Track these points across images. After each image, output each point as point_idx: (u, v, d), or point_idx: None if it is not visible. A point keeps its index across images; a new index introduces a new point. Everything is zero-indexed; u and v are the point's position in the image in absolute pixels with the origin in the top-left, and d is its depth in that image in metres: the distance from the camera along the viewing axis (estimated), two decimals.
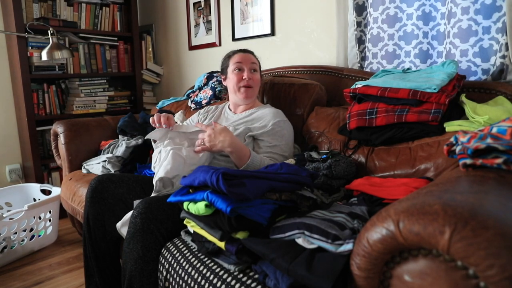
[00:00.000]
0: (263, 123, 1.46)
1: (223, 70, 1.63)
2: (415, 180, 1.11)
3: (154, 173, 1.67)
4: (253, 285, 0.84)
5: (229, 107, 1.66)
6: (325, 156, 1.31)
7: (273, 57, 2.16)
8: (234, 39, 2.38)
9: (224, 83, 1.66)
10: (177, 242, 1.09)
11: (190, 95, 2.24)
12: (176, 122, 1.83)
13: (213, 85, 2.08)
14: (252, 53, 1.62)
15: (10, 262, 1.92)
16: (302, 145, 1.59)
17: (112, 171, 1.77)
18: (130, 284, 1.11)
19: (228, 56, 1.62)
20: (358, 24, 1.72)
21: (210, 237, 0.94)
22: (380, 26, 1.62)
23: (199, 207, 0.94)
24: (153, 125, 1.41)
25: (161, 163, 1.30)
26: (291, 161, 1.37)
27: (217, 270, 0.92)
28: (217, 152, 1.35)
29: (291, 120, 1.56)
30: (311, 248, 0.79)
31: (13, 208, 2.20)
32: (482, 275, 0.49)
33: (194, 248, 1.04)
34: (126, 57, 2.90)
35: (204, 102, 2.05)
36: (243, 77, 1.52)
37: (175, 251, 1.06)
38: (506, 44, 1.28)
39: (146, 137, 1.46)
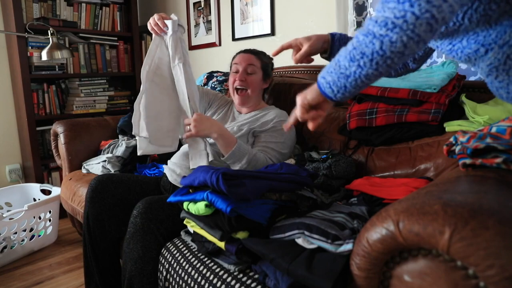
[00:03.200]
0: (266, 122, 1.46)
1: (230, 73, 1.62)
2: (415, 180, 1.11)
3: (153, 174, 1.68)
4: (253, 285, 0.84)
5: (235, 106, 1.66)
6: (325, 156, 1.31)
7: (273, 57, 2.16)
8: (234, 39, 2.38)
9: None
10: (177, 242, 1.09)
11: None
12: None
13: (213, 85, 2.08)
14: (255, 53, 1.58)
15: (10, 262, 1.92)
16: (302, 145, 1.59)
17: (112, 171, 1.77)
18: (130, 284, 1.11)
19: (233, 58, 1.60)
20: (358, 24, 1.72)
21: (210, 237, 0.94)
22: None
23: (199, 207, 0.94)
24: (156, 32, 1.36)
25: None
26: (291, 161, 1.37)
27: (217, 270, 0.92)
28: (202, 136, 1.30)
29: None
30: (311, 248, 0.79)
31: (13, 208, 2.20)
32: (482, 275, 0.49)
33: (194, 248, 1.04)
34: (126, 57, 2.90)
35: None
36: (236, 79, 1.50)
37: (175, 251, 1.06)
38: None
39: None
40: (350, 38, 1.03)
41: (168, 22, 1.35)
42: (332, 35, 1.03)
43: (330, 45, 1.03)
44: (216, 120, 1.33)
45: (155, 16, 1.35)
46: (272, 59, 1.63)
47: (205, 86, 2.16)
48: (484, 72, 0.74)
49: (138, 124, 1.33)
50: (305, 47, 1.03)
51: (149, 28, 1.38)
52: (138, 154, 1.37)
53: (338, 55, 0.73)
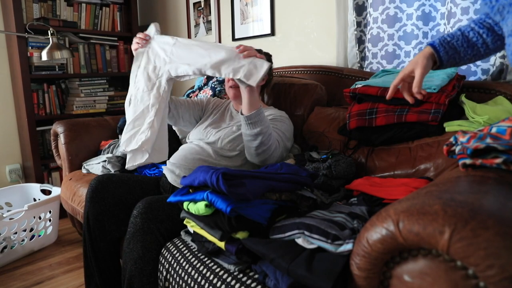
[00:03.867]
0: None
1: None
2: (415, 180, 1.11)
3: (153, 174, 1.68)
4: (253, 285, 0.84)
5: (233, 106, 1.65)
6: (325, 156, 1.31)
7: (273, 57, 2.16)
8: (234, 39, 2.38)
9: None
10: (177, 242, 1.09)
11: (190, 95, 2.24)
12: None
13: (213, 85, 2.08)
14: None
15: (10, 262, 1.92)
16: (302, 145, 1.59)
17: (112, 171, 1.77)
18: (130, 284, 1.11)
19: None
20: (358, 24, 1.72)
21: (210, 237, 0.94)
22: (380, 26, 1.62)
23: (199, 207, 0.94)
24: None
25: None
26: (291, 161, 1.37)
27: (217, 270, 0.92)
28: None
29: (292, 120, 1.56)
30: (311, 248, 0.79)
31: (13, 208, 2.20)
32: (482, 275, 0.50)
33: (194, 248, 1.04)
34: (126, 57, 2.90)
35: None
36: (228, 79, 1.52)
37: (175, 251, 1.06)
38: None
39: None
40: (449, 35, 0.94)
41: (150, 28, 1.37)
42: (431, 44, 0.96)
43: (437, 53, 0.95)
44: None
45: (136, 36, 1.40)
46: (270, 56, 1.63)
47: (205, 86, 2.16)
48: (508, 30, 0.70)
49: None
50: (418, 72, 0.94)
51: (133, 48, 1.41)
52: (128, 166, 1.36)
53: None
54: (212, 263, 0.95)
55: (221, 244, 0.91)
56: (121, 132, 2.10)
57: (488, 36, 0.93)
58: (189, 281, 0.96)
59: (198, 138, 1.49)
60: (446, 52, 0.95)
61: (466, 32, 0.95)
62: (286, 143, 1.43)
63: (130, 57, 2.91)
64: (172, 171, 1.39)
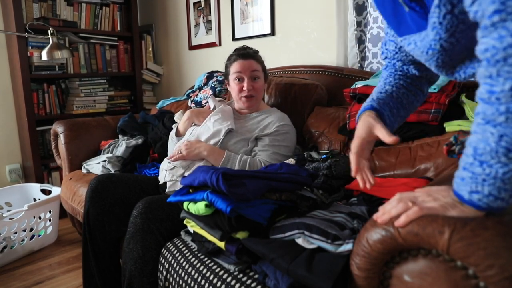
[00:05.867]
0: (268, 126, 1.46)
1: (226, 76, 1.58)
2: (415, 180, 1.11)
3: (153, 174, 1.68)
4: (253, 285, 0.84)
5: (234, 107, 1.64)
6: (325, 156, 1.31)
7: (273, 57, 2.16)
8: (234, 39, 2.38)
9: (228, 87, 1.62)
10: (177, 242, 1.09)
11: (190, 95, 2.24)
12: (176, 122, 1.82)
13: (213, 85, 2.08)
14: (253, 56, 1.52)
15: (10, 262, 1.92)
16: (302, 145, 1.59)
17: (112, 171, 1.77)
18: (130, 284, 1.11)
19: (230, 62, 1.54)
20: (358, 24, 1.72)
21: (210, 237, 0.95)
22: (380, 26, 1.62)
23: (199, 207, 0.94)
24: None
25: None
26: (291, 161, 1.37)
27: (217, 270, 0.92)
28: (193, 158, 1.37)
29: (292, 120, 1.55)
30: (311, 248, 0.79)
31: (13, 208, 2.20)
32: (482, 275, 0.50)
33: (194, 248, 1.04)
34: (126, 57, 2.90)
35: (204, 102, 2.05)
36: (243, 88, 1.48)
37: (175, 251, 1.06)
38: None
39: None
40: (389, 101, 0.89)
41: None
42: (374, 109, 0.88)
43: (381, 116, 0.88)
44: (203, 142, 1.40)
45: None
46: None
47: (205, 86, 2.16)
48: None
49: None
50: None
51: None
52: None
53: (472, 161, 0.59)
54: (212, 263, 0.95)
55: (221, 244, 0.91)
56: (121, 132, 2.10)
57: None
58: (189, 281, 0.96)
59: None
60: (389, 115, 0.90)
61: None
62: (287, 156, 1.42)
63: (130, 57, 2.91)
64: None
